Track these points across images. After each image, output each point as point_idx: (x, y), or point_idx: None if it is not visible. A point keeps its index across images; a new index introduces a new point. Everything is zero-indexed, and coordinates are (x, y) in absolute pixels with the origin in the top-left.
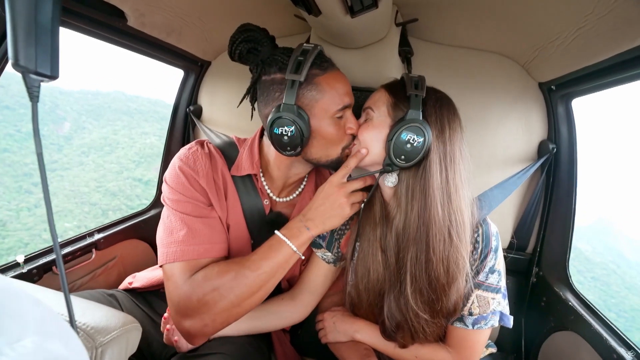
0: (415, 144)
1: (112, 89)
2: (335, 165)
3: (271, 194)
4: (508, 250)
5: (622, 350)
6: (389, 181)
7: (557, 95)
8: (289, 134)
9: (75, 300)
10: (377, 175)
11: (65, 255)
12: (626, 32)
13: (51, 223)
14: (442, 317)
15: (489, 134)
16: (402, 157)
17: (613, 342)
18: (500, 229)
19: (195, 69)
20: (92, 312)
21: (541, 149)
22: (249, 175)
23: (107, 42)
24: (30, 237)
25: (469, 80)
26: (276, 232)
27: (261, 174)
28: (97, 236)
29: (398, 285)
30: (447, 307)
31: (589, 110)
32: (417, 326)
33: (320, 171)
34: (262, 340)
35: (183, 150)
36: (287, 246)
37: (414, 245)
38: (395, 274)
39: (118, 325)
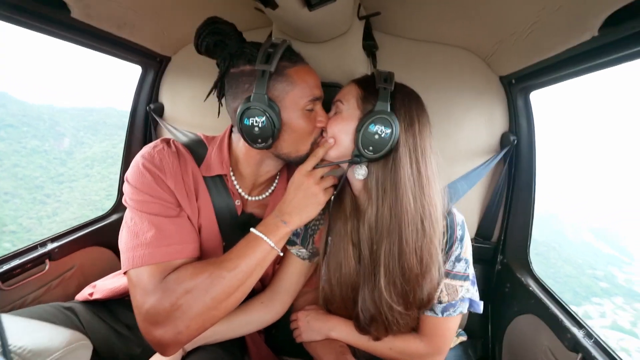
0: (383, 135)
1: (104, 105)
2: (305, 160)
3: (242, 193)
4: (475, 239)
5: (575, 330)
6: (359, 174)
7: (516, 88)
8: (259, 125)
9: (13, 321)
10: (345, 166)
11: (13, 269)
12: (576, 27)
13: None
14: (416, 308)
15: (453, 127)
16: (370, 148)
17: (567, 323)
18: (468, 219)
19: (154, 64)
20: (31, 333)
21: (503, 140)
22: (219, 176)
23: (51, 36)
24: None
25: (434, 74)
26: (252, 229)
27: (231, 173)
28: (50, 246)
29: (372, 279)
30: (420, 297)
31: (546, 102)
32: (391, 319)
33: (292, 170)
34: (235, 343)
35: (146, 149)
36: (264, 243)
37: (387, 237)
38: (369, 267)
39: (62, 345)
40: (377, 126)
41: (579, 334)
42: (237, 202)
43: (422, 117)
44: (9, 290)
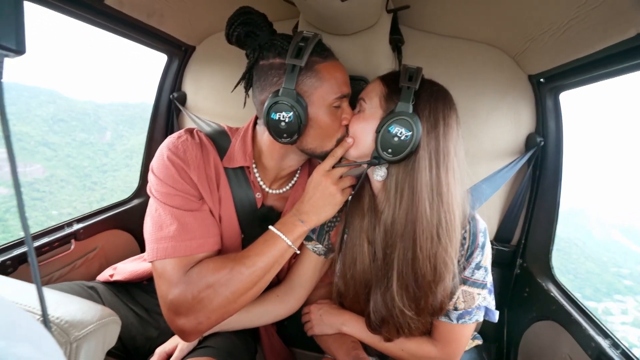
0: (403, 138)
1: (138, 100)
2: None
3: (263, 186)
4: (493, 242)
5: (599, 339)
6: (378, 175)
7: (545, 88)
8: (286, 120)
9: (49, 293)
10: (365, 166)
11: (42, 246)
12: (617, 24)
13: (22, 213)
14: (428, 314)
15: (477, 125)
16: (390, 150)
17: (592, 332)
18: (487, 221)
19: (179, 53)
20: (66, 305)
21: (529, 142)
22: (241, 167)
23: (84, 22)
24: None
25: (459, 71)
26: (270, 227)
27: (254, 165)
28: (76, 226)
29: (385, 281)
30: (433, 304)
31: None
32: (403, 322)
33: (314, 165)
34: (248, 332)
35: (171, 139)
36: (282, 241)
37: (401, 241)
38: (382, 269)
39: (95, 319)
40: (396, 128)
41: (604, 343)
42: (258, 195)
43: (449, 117)
44: (37, 266)
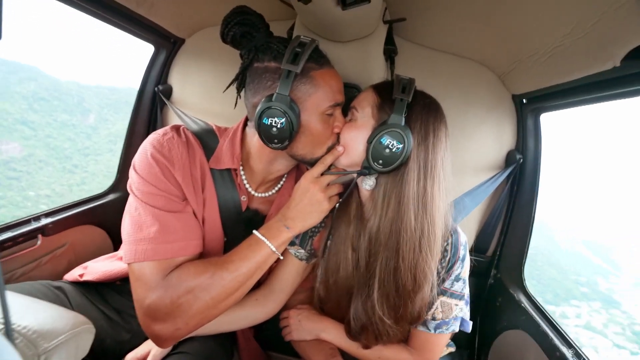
0: (394, 150)
1: (125, 85)
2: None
3: (249, 189)
4: (470, 252)
5: (564, 349)
6: (367, 184)
7: (527, 108)
8: (278, 126)
9: (15, 297)
10: (355, 175)
11: (4, 241)
12: (598, 55)
13: None
14: (406, 322)
15: (462, 140)
16: (380, 161)
17: (557, 341)
18: (465, 232)
19: (167, 45)
20: (34, 312)
21: (509, 158)
22: (228, 170)
23: (69, 6)
24: None
25: (448, 85)
26: (255, 232)
27: (241, 168)
28: (44, 220)
29: (366, 289)
30: (411, 313)
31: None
32: (382, 329)
33: (301, 169)
34: (226, 336)
35: (156, 136)
36: (266, 246)
37: (384, 251)
38: (364, 277)
39: (66, 328)
40: (388, 140)
41: (567, 353)
42: (243, 198)
43: (439, 130)
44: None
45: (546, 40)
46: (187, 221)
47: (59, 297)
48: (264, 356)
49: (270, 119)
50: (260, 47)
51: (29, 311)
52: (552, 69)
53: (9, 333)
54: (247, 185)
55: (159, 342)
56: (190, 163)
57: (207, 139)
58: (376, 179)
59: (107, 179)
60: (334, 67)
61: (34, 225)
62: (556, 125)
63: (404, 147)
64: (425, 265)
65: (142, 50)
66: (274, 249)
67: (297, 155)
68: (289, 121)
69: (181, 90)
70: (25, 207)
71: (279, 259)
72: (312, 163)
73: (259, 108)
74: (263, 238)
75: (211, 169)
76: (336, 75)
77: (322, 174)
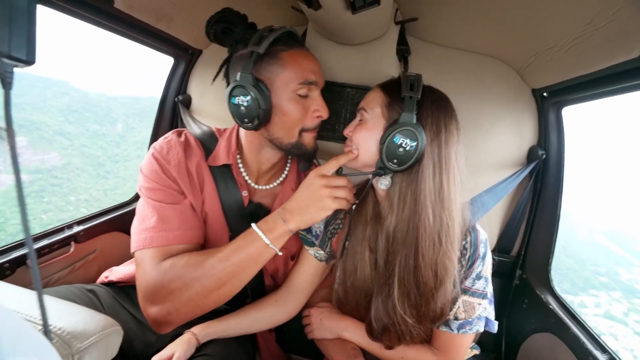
0: (408, 148)
1: (149, 94)
2: (297, 149)
3: (250, 182)
4: (493, 252)
5: (597, 353)
6: (382, 183)
7: (549, 102)
8: (245, 104)
9: (51, 301)
10: (370, 176)
11: (42, 249)
12: (621, 44)
13: (24, 216)
14: (429, 321)
15: (480, 137)
16: (395, 161)
17: (590, 346)
18: (487, 231)
19: (186, 57)
20: (69, 315)
21: (530, 154)
22: (227, 167)
23: (93, 25)
24: None
25: (464, 83)
26: (253, 224)
27: (240, 163)
28: (76, 228)
29: (386, 289)
30: (434, 310)
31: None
32: (404, 329)
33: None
34: (247, 339)
35: (159, 140)
36: (259, 239)
37: (403, 249)
38: (384, 276)
39: (97, 329)
40: (401, 139)
41: (602, 358)
42: (245, 193)
43: (450, 124)
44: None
45: (566, 30)
46: (184, 212)
47: (92, 300)
48: (285, 357)
49: (237, 98)
50: (239, 40)
51: (64, 313)
52: (573, 60)
53: (47, 333)
54: (247, 178)
55: (154, 326)
56: (187, 161)
57: (208, 141)
58: (391, 178)
59: (137, 183)
60: (347, 70)
61: (67, 232)
62: (576, 116)
63: (417, 144)
64: (446, 259)
65: (162, 61)
66: (268, 242)
67: (275, 139)
68: (255, 99)
69: (200, 99)
70: (68, 211)
71: (297, 258)
72: (289, 149)
73: (226, 90)
74: (258, 231)
75: (211, 168)
76: (308, 55)
77: (336, 173)
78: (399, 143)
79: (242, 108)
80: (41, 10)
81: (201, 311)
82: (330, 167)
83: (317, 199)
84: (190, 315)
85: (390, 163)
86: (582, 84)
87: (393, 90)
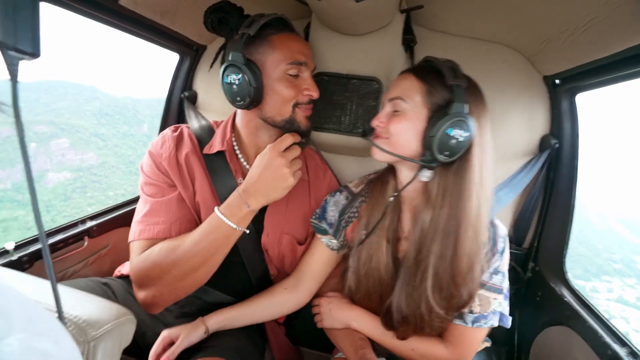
0: (460, 139)
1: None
2: (290, 125)
3: (248, 167)
4: None
5: (616, 347)
6: (424, 176)
7: (561, 89)
8: (237, 82)
9: (66, 291)
10: (408, 167)
11: (57, 243)
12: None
13: (37, 211)
14: (455, 309)
15: (491, 126)
16: (447, 152)
17: (608, 339)
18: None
19: (191, 53)
20: (83, 303)
21: (543, 143)
22: (222, 156)
23: (98, 22)
24: None
25: (473, 72)
26: (216, 209)
27: (237, 149)
28: (89, 224)
29: (415, 280)
30: (463, 299)
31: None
32: (426, 320)
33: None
34: (257, 332)
35: (157, 137)
36: (225, 224)
37: (441, 240)
38: (413, 268)
39: (111, 318)
40: (455, 130)
41: (621, 352)
42: (240, 180)
43: (486, 111)
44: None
45: (579, 13)
46: (172, 205)
47: (106, 292)
48: (295, 351)
49: (229, 77)
50: (234, 28)
51: (79, 302)
52: (587, 44)
53: (61, 319)
54: (245, 163)
55: (144, 307)
56: (177, 153)
57: (205, 132)
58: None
59: None
60: (352, 60)
61: (81, 227)
62: (588, 102)
63: (469, 135)
64: (479, 251)
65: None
66: (234, 226)
67: (268, 118)
68: (245, 77)
69: (206, 95)
70: (109, 204)
71: (309, 245)
72: (284, 125)
73: (219, 71)
74: (222, 217)
75: (205, 159)
76: (298, 38)
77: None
78: (452, 135)
79: (234, 86)
80: (60, 14)
81: (184, 293)
82: (285, 143)
83: (280, 177)
84: (174, 296)
85: (442, 155)
86: (597, 69)
87: (431, 77)
